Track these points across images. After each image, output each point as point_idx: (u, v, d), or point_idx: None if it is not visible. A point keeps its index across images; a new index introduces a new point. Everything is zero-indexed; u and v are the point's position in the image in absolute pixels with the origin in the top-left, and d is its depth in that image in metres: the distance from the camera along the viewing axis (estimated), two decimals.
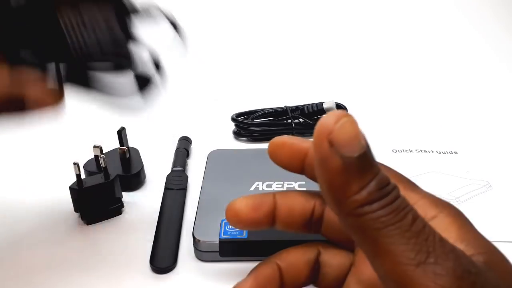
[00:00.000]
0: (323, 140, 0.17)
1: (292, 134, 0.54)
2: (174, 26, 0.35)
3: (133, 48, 0.33)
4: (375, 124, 0.58)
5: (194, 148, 0.51)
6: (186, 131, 0.54)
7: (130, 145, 0.46)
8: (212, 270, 0.34)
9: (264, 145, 0.53)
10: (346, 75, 0.76)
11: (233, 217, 0.23)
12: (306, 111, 0.55)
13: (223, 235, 0.34)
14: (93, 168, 0.44)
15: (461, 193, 0.42)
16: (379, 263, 0.17)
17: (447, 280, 0.16)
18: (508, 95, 0.67)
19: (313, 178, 0.23)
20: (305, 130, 0.54)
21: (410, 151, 0.51)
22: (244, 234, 0.34)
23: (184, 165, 0.47)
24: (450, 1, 0.88)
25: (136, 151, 0.47)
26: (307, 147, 0.24)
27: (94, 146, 0.40)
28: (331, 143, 0.17)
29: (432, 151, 0.51)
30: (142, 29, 0.34)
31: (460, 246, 0.18)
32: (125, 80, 0.32)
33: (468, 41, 0.83)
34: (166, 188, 0.43)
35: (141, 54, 0.33)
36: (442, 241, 0.17)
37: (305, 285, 0.25)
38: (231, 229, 0.35)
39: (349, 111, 0.57)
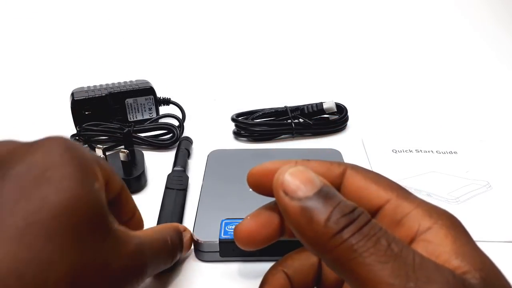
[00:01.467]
0: (278, 192, 0.19)
1: (292, 134, 0.54)
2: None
3: None
4: (375, 124, 0.58)
5: (194, 148, 0.51)
6: (186, 131, 0.55)
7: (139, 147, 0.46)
8: (212, 270, 0.34)
9: (264, 145, 0.53)
10: (346, 75, 0.76)
11: (245, 240, 0.24)
12: (306, 111, 0.55)
13: (223, 235, 0.34)
14: None
15: (461, 193, 0.42)
16: None
17: None
18: (508, 95, 0.67)
19: None
20: (305, 130, 0.54)
21: (410, 151, 0.51)
22: None
23: (184, 165, 0.46)
24: (450, 1, 0.88)
25: (140, 154, 0.47)
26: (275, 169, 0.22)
27: (97, 147, 0.40)
28: (286, 193, 0.19)
29: (432, 151, 0.51)
30: None
31: (455, 261, 0.18)
32: None
33: (468, 41, 0.83)
34: (167, 188, 0.42)
35: None
36: (424, 262, 0.17)
37: None
38: (231, 229, 0.35)
39: (349, 111, 0.57)
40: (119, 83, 0.56)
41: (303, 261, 0.25)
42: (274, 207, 0.24)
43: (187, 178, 0.44)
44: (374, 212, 0.21)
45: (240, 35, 0.85)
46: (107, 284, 0.19)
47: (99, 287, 0.19)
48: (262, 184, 0.24)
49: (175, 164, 0.46)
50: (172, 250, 0.27)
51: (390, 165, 0.48)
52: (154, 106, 0.56)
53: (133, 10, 0.87)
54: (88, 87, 0.55)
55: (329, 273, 0.25)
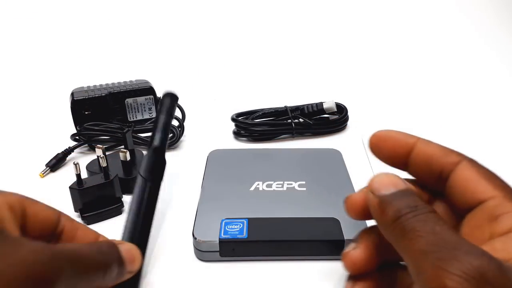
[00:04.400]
0: (368, 192, 0.25)
1: (292, 134, 0.54)
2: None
3: None
4: (375, 124, 0.58)
5: (194, 148, 0.51)
6: (186, 131, 0.54)
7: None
8: (212, 270, 0.34)
9: (264, 145, 0.53)
10: (346, 75, 0.76)
11: (356, 270, 0.27)
12: (306, 111, 0.55)
13: (223, 235, 0.34)
14: (95, 168, 0.44)
15: None
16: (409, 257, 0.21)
17: (457, 279, 0.18)
18: (508, 95, 0.67)
19: (416, 175, 0.28)
20: (305, 130, 0.54)
21: None
22: (244, 234, 0.34)
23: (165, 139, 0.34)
24: (450, 1, 0.88)
25: (141, 154, 0.47)
26: (413, 142, 0.27)
27: (97, 147, 0.40)
28: (372, 191, 0.25)
29: None
30: None
31: None
32: None
33: (468, 41, 0.83)
34: (141, 176, 0.32)
35: None
36: (460, 241, 0.20)
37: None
38: (231, 229, 0.35)
39: (349, 111, 0.57)
40: (119, 83, 0.56)
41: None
42: (372, 232, 0.28)
43: (163, 160, 0.34)
44: (475, 204, 0.24)
45: (240, 35, 0.85)
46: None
47: None
48: (380, 148, 0.29)
49: (152, 139, 0.33)
50: (102, 262, 0.25)
51: None
52: (154, 106, 0.56)
53: (133, 10, 0.87)
54: (88, 87, 0.55)
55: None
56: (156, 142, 0.33)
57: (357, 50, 0.82)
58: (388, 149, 0.28)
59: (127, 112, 0.55)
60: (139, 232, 0.30)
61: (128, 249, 0.27)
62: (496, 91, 0.68)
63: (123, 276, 0.26)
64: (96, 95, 0.52)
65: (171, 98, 0.35)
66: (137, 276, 0.29)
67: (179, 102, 0.57)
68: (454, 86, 0.71)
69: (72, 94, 0.53)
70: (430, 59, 0.80)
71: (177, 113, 0.55)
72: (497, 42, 0.83)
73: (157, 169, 0.33)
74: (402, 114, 0.61)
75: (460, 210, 0.26)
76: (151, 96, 0.55)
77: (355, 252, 0.27)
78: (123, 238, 0.29)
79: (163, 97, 0.35)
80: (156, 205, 0.31)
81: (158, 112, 0.34)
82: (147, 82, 0.56)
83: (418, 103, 0.65)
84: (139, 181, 0.31)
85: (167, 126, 0.34)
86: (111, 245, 0.26)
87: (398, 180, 0.24)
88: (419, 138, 0.28)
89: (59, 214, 0.28)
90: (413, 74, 0.75)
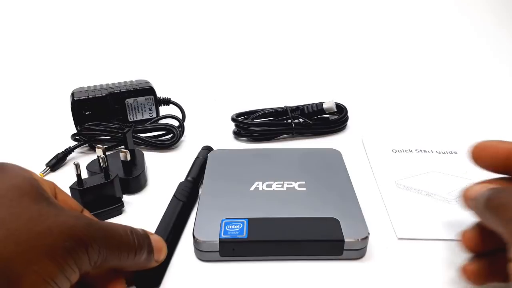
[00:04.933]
0: (463, 197, 0.31)
1: (292, 134, 0.54)
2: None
3: None
4: (375, 124, 0.58)
5: (194, 148, 0.51)
6: (186, 131, 0.55)
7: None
8: (212, 270, 0.34)
9: (264, 145, 0.53)
10: (346, 75, 0.76)
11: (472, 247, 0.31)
12: (306, 111, 0.55)
13: (223, 235, 0.34)
14: (96, 168, 0.44)
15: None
16: None
17: None
18: (508, 95, 0.67)
19: None
20: (305, 130, 0.54)
21: (410, 151, 0.51)
22: (244, 234, 0.34)
23: (197, 176, 0.44)
24: (450, 2, 0.88)
25: (141, 154, 0.47)
26: (510, 148, 0.29)
27: (97, 147, 0.40)
28: (465, 198, 0.31)
29: (432, 151, 0.51)
30: None
31: None
32: None
33: (468, 41, 0.83)
34: (175, 197, 0.41)
35: None
36: None
37: None
38: (231, 229, 0.35)
39: (349, 111, 0.57)
40: (119, 83, 0.56)
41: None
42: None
43: (196, 191, 0.43)
44: None
45: (240, 35, 0.85)
46: (43, 236, 0.23)
47: (33, 238, 0.23)
48: (482, 157, 0.31)
49: (188, 173, 0.44)
50: (135, 244, 0.28)
51: (390, 165, 0.48)
52: (154, 106, 0.56)
53: (133, 10, 0.87)
54: (88, 87, 0.55)
55: None
56: (193, 175, 0.44)
57: (357, 50, 0.82)
58: (490, 157, 0.31)
59: (127, 112, 0.55)
60: (170, 233, 0.37)
61: (158, 240, 0.31)
62: (496, 91, 0.69)
63: (150, 262, 0.30)
64: (96, 95, 0.52)
65: (208, 150, 0.48)
66: (163, 268, 0.33)
67: (179, 102, 0.57)
68: (454, 86, 0.71)
69: (73, 94, 0.53)
70: (430, 59, 0.80)
71: (177, 113, 0.56)
72: (497, 42, 0.83)
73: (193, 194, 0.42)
74: (402, 114, 0.61)
75: None
76: (151, 96, 0.55)
77: (471, 231, 0.30)
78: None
79: (202, 149, 0.48)
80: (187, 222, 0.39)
81: (196, 158, 0.47)
82: (147, 82, 0.56)
83: (418, 103, 0.65)
84: (174, 202, 0.40)
85: (202, 169, 0.45)
86: (144, 233, 0.30)
87: (481, 190, 0.29)
88: None
89: (83, 208, 0.33)
90: (413, 74, 0.75)
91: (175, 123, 0.54)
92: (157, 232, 0.36)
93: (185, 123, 0.54)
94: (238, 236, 0.34)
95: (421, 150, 0.51)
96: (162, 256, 0.31)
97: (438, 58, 0.80)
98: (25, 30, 0.84)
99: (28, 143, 0.54)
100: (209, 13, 0.87)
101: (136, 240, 0.28)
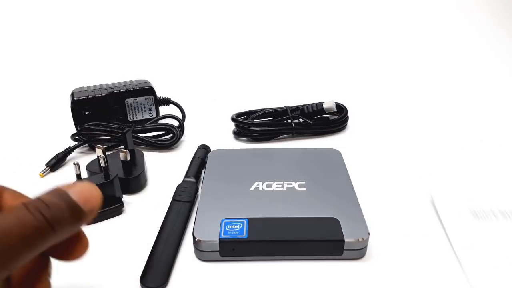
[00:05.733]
0: None
1: (292, 134, 0.54)
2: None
3: None
4: (375, 124, 0.58)
5: (195, 148, 0.51)
6: (186, 131, 0.55)
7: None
8: (212, 270, 0.34)
9: (264, 145, 0.53)
10: (346, 75, 0.76)
11: None
12: (306, 111, 0.55)
13: (223, 235, 0.34)
14: (96, 168, 0.44)
15: None
16: None
17: None
18: (508, 95, 0.67)
19: None
20: (305, 130, 0.54)
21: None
22: (244, 234, 0.34)
23: (197, 175, 0.45)
24: (450, 2, 0.88)
25: (141, 154, 0.47)
26: None
27: (97, 147, 0.40)
28: None
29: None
30: None
31: None
32: None
33: (467, 41, 0.83)
34: (174, 199, 0.41)
35: None
36: None
37: None
38: (231, 229, 0.35)
39: (349, 111, 0.57)
40: (119, 83, 0.56)
41: None
42: None
43: (196, 189, 0.43)
44: None
45: (240, 35, 0.85)
46: None
47: None
48: None
49: (186, 174, 0.45)
50: (43, 220, 0.22)
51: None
52: (154, 106, 0.56)
53: (133, 10, 0.87)
54: (88, 87, 0.55)
55: None
56: (191, 174, 0.44)
57: (357, 50, 0.82)
58: None
59: (127, 112, 0.55)
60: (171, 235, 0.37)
61: (79, 190, 0.24)
62: (496, 91, 0.68)
63: (86, 217, 0.24)
64: (96, 95, 0.52)
65: (206, 150, 0.49)
66: (169, 267, 0.33)
67: (179, 102, 0.57)
68: (454, 86, 0.71)
69: (72, 94, 0.53)
70: (430, 59, 0.80)
71: (177, 113, 0.56)
72: (497, 42, 0.83)
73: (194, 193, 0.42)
74: (402, 114, 0.61)
75: None
76: (151, 96, 0.55)
77: None
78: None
79: (198, 148, 0.49)
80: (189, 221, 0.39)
81: (193, 157, 0.47)
82: (147, 82, 0.56)
83: (418, 103, 0.65)
84: (173, 205, 0.40)
85: (200, 168, 0.46)
86: (56, 194, 0.23)
87: None
88: None
89: (3, 188, 0.26)
90: (413, 74, 0.75)
91: (175, 123, 0.54)
92: (159, 242, 0.36)
93: (185, 123, 0.54)
94: (238, 236, 0.34)
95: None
96: (94, 203, 0.24)
97: (438, 58, 0.80)
98: (25, 30, 0.84)
99: (28, 143, 0.54)
100: (209, 13, 0.87)
101: (47, 214, 0.22)
